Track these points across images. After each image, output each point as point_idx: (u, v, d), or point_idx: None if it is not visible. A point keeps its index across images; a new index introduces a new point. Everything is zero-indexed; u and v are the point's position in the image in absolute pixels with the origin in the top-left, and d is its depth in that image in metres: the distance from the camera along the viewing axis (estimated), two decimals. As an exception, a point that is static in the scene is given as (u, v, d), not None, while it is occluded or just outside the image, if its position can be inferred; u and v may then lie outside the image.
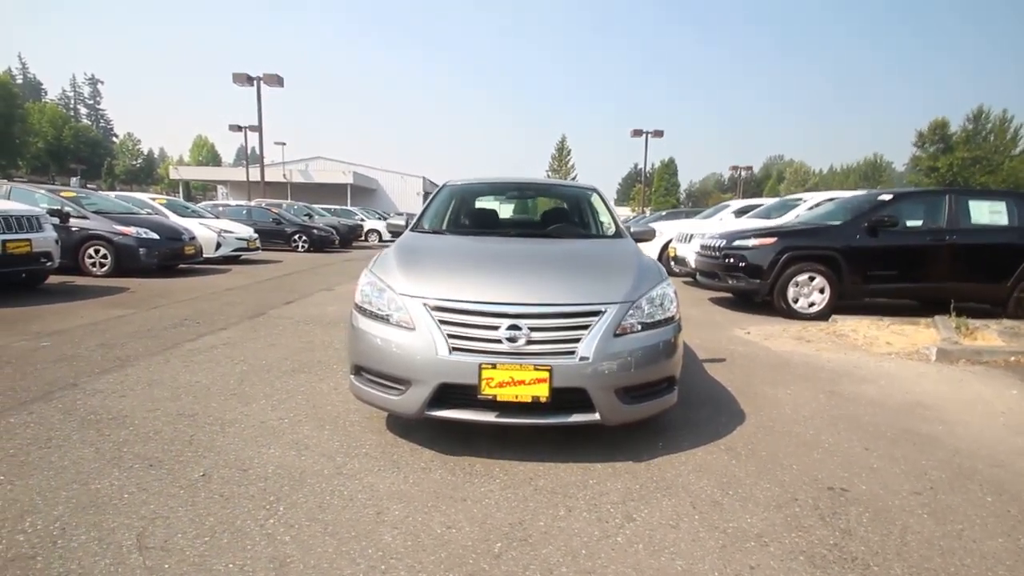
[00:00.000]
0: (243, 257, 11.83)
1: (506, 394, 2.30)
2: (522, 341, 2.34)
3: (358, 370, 2.66)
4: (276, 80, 21.10)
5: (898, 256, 6.25)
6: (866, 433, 2.95)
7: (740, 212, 11.12)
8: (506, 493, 2.20)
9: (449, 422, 2.51)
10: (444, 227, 3.92)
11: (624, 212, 61.09)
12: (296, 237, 15.56)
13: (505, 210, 4.71)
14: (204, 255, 9.78)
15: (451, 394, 2.39)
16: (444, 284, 2.57)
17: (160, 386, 3.39)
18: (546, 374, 2.29)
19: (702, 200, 70.46)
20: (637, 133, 26.25)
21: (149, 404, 3.07)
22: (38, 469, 2.28)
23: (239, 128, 27.46)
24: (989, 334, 5.03)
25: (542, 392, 2.30)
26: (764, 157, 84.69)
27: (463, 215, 4.19)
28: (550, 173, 63.59)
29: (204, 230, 10.29)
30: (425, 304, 2.46)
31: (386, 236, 21.60)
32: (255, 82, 20.99)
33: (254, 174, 38.64)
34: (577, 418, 2.38)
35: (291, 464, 2.40)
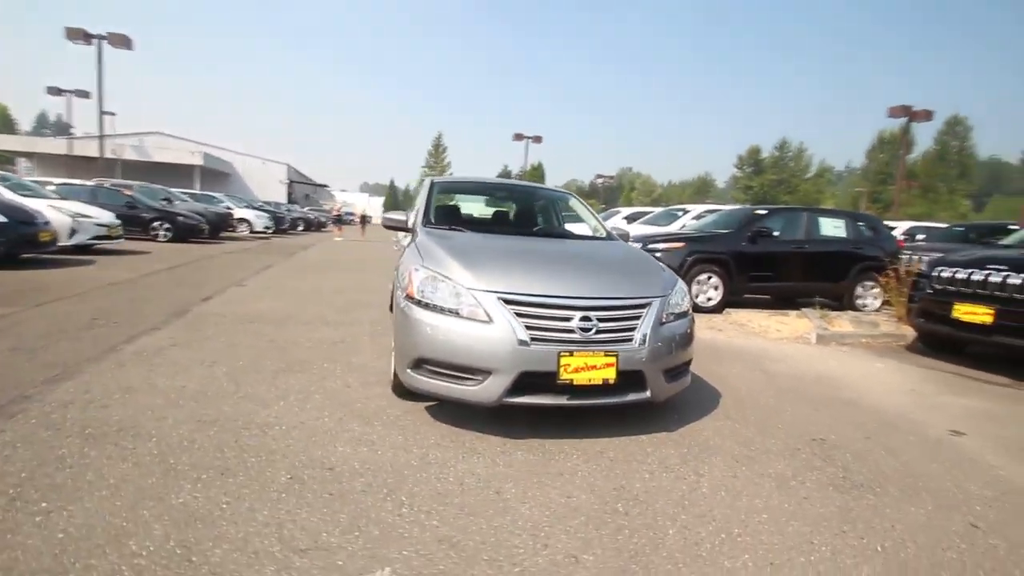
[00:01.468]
0: (98, 247, 10.01)
1: (581, 378, 2.57)
2: (593, 331, 2.62)
3: (419, 363, 2.70)
4: (122, 41, 17.93)
5: (772, 260, 7.66)
6: (808, 400, 3.75)
7: (629, 219, 12.41)
8: (590, 466, 2.47)
9: (522, 407, 2.67)
10: (458, 224, 3.97)
11: None
12: (156, 224, 13.54)
13: (504, 210, 4.87)
14: (58, 243, 8.17)
15: (527, 381, 2.58)
16: (510, 279, 2.73)
17: (142, 392, 2.99)
18: (614, 359, 2.60)
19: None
20: (518, 137, 27.41)
21: (149, 412, 2.73)
22: (83, 491, 1.98)
23: (59, 92, 22.71)
24: (843, 322, 6.48)
25: (611, 375, 2.61)
26: (617, 168, 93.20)
27: (479, 212, 4.32)
28: (426, 170, 62.96)
29: (55, 213, 8.57)
30: (500, 298, 2.61)
31: (258, 227, 19.75)
32: (95, 42, 17.61)
33: (60, 146, 32.24)
34: (632, 397, 2.73)
35: (375, 460, 2.39)
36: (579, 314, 2.63)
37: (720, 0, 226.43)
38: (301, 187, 49.24)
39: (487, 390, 2.56)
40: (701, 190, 69.10)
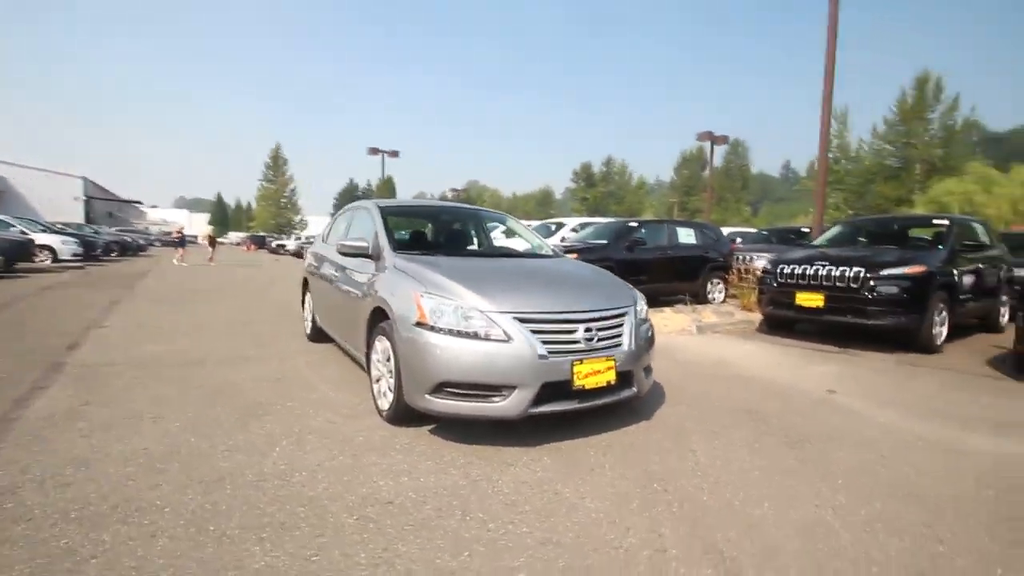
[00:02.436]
0: None
1: (590, 383, 2.90)
2: (595, 340, 2.97)
3: (440, 387, 2.77)
4: None
5: (647, 265, 8.82)
6: (720, 380, 4.56)
7: (507, 233, 13.08)
8: (609, 459, 2.80)
9: (542, 417, 2.89)
10: (424, 249, 4.00)
11: None
12: (-79, 259, 10.51)
13: (458, 232, 4.91)
14: None
15: (545, 391, 2.82)
16: (518, 299, 2.94)
17: (101, 463, 2.56)
18: (612, 362, 2.99)
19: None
20: (374, 151, 26.72)
21: (131, 483, 2.37)
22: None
23: None
24: (708, 314, 7.78)
25: (611, 377, 2.98)
26: (464, 181, 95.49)
27: (433, 236, 4.37)
28: (264, 183, 57.34)
29: None
30: (516, 318, 2.82)
31: (64, 255, 16.30)
32: None
33: None
34: (625, 394, 3.14)
35: (425, 486, 2.43)
36: (582, 326, 2.96)
37: (562, 31, 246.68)
38: (103, 204, 41.50)
39: (513, 404, 2.75)
40: (543, 202, 74.34)
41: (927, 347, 5.68)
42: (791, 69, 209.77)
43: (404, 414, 3.07)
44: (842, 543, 2.06)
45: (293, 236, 41.98)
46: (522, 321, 2.83)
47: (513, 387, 2.74)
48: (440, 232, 4.65)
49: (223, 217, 78.35)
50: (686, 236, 9.55)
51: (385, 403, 3.22)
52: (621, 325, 3.16)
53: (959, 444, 3.14)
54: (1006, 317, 7.20)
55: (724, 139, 23.46)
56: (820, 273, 5.99)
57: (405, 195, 73.18)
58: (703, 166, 56.92)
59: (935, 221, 6.88)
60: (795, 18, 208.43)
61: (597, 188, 61.38)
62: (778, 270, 6.47)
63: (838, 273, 5.85)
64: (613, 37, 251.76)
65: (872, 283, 5.63)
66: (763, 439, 3.15)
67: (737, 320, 7.56)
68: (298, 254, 28.89)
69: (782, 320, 6.76)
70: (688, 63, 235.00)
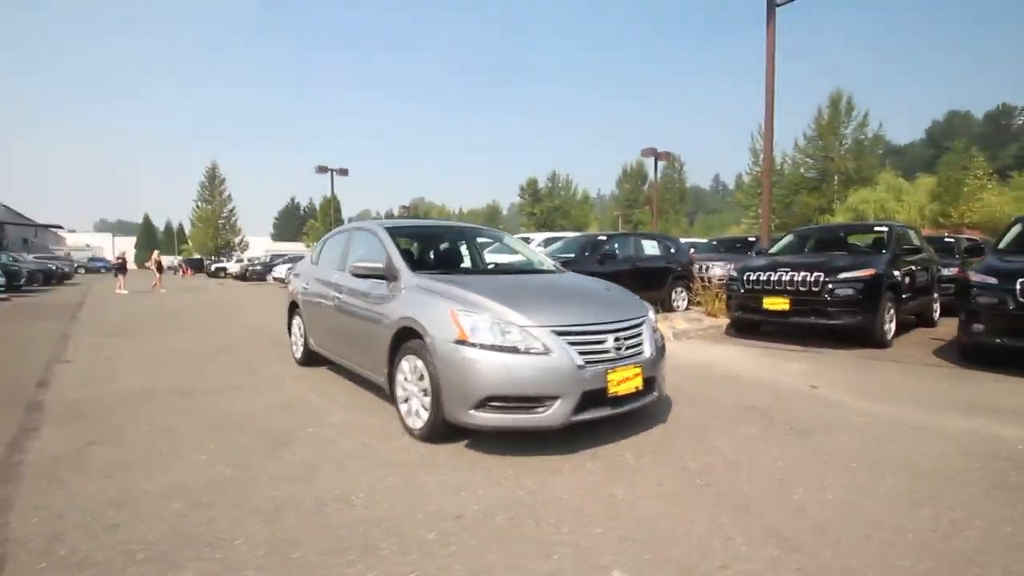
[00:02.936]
0: None
1: (621, 389, 3.07)
2: (623, 348, 3.15)
3: (484, 402, 2.85)
4: None
5: (618, 276, 9.14)
6: (713, 382, 4.85)
7: (499, 250, 13.19)
8: (646, 460, 2.96)
9: (578, 424, 3.01)
10: (443, 268, 4.11)
11: (297, 248, 57.72)
12: None
13: (466, 251, 4.95)
14: None
15: (584, 400, 2.96)
16: (552, 314, 3.08)
17: (135, 504, 2.45)
18: (639, 369, 3.18)
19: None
20: (322, 170, 26.11)
21: (186, 518, 2.29)
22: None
23: None
24: (679, 320, 8.20)
25: (639, 383, 3.17)
26: (409, 198, 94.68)
27: (440, 255, 4.51)
28: (200, 204, 54.34)
29: None
30: (553, 331, 2.95)
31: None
32: None
33: None
34: (649, 399, 3.33)
35: (484, 499, 2.49)
36: (611, 336, 3.13)
37: (504, 50, 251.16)
38: (17, 230, 38.00)
39: (557, 414, 2.87)
40: (491, 217, 74.91)
41: (880, 342, 6.28)
42: (720, 87, 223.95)
43: (440, 431, 3.12)
44: (876, 516, 2.31)
45: (235, 258, 40.01)
46: (559, 334, 2.96)
47: (556, 397, 2.86)
48: (446, 251, 4.71)
49: (151, 240, 73.51)
50: (651, 248, 10.03)
51: (418, 422, 3.25)
52: (641, 334, 3.35)
53: (937, 425, 3.54)
54: (938, 313, 8.05)
55: (667, 155, 24.73)
56: (784, 279, 6.50)
57: (349, 213, 71.66)
58: (643, 180, 59.53)
59: (876, 228, 7.63)
60: (722, 39, 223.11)
61: (544, 203, 62.56)
62: (744, 277, 6.95)
63: (800, 278, 6.37)
64: (557, 51, 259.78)
65: (831, 286, 6.18)
66: (771, 432, 3.42)
67: (706, 325, 8.01)
68: (243, 277, 27.61)
69: (750, 323, 7.24)
70: (623, 81, 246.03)
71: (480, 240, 5.15)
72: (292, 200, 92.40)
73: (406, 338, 3.39)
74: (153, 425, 3.57)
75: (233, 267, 31.59)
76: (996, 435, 3.32)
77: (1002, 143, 66.64)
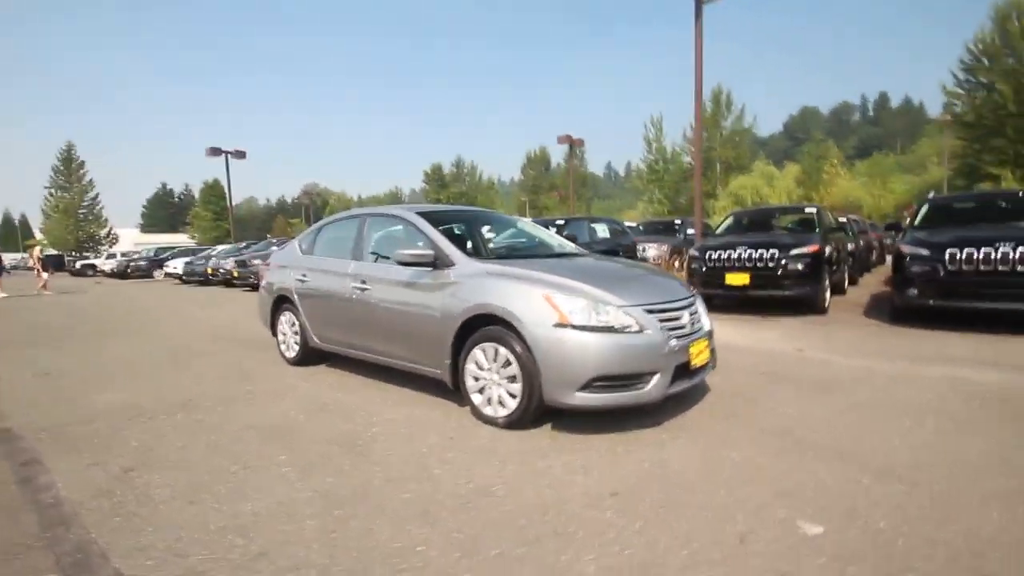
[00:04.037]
0: None
1: (698, 361, 3.27)
2: (694, 323, 3.34)
3: (590, 383, 2.89)
4: None
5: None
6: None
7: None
8: (726, 424, 3.18)
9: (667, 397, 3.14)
10: (490, 252, 4.06)
11: (179, 240, 51.49)
12: None
13: (510, 234, 4.78)
14: None
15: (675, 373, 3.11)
16: (639, 294, 3.17)
17: (286, 518, 2.19)
18: (707, 341, 3.40)
19: (255, 225, 67.48)
20: (215, 152, 23.46)
21: (380, 526, 2.09)
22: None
23: None
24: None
25: (708, 354, 3.39)
26: (301, 183, 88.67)
27: (479, 240, 4.39)
28: (55, 191, 46.09)
29: None
30: (646, 310, 3.06)
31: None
32: None
33: None
34: (711, 369, 3.56)
35: (627, 475, 2.55)
36: (686, 312, 3.31)
37: (408, 32, 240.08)
38: None
39: (656, 388, 2.99)
40: (393, 203, 72.61)
41: (820, 309, 7.18)
42: (613, 77, 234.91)
43: (530, 418, 3.11)
44: (940, 449, 2.72)
45: (105, 253, 34.74)
46: (650, 312, 3.08)
47: (654, 373, 2.98)
48: (477, 236, 4.58)
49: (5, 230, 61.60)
50: (603, 231, 10.47)
51: (501, 410, 3.20)
52: (699, 310, 3.57)
53: (918, 374, 4.18)
54: (847, 283, 9.36)
55: (580, 142, 25.68)
56: (743, 256, 7.17)
57: (235, 198, 65.30)
58: (547, 166, 61.12)
59: (806, 210, 8.65)
60: (615, 33, 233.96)
61: (449, 189, 61.91)
62: (706, 256, 7.55)
63: (758, 255, 7.07)
64: (458, 38, 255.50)
65: (784, 262, 6.93)
66: (803, 391, 3.83)
67: (665, 302, 8.57)
68: (123, 275, 24.22)
69: (711, 297, 7.88)
70: (523, 71, 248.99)
71: (513, 225, 5.06)
72: (164, 187, 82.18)
73: (477, 326, 3.30)
74: (188, 441, 3.14)
75: (106, 263, 27.53)
76: (968, 379, 4.00)
77: (844, 135, 77.65)
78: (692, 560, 1.86)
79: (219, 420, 3.54)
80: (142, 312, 10.61)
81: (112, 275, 25.35)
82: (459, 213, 4.77)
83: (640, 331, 2.99)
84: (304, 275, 4.84)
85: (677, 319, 3.21)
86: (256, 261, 14.72)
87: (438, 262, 3.64)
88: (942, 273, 5.54)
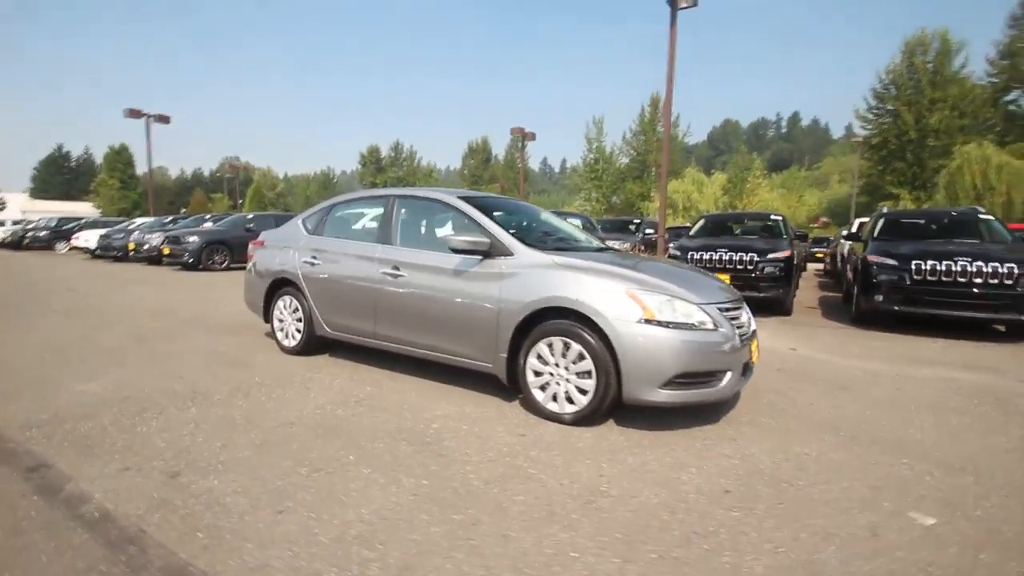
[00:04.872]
0: None
1: (755, 359, 3.37)
2: (750, 322, 3.44)
3: (672, 380, 2.89)
4: None
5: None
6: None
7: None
8: (783, 422, 3.31)
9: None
10: (546, 245, 3.91)
11: (82, 208, 45.76)
12: None
13: (543, 227, 4.52)
14: None
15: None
16: (702, 292, 3.20)
17: (405, 527, 1.98)
18: (756, 339, 3.51)
19: (166, 197, 61.47)
20: (134, 114, 21.01)
21: (517, 532, 1.93)
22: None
23: None
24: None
25: (758, 353, 3.50)
26: (220, 157, 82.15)
27: (524, 230, 4.19)
28: None
29: None
30: (718, 308, 3.10)
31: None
32: None
33: None
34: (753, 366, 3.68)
35: (728, 468, 2.57)
36: (744, 311, 3.39)
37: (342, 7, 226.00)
38: None
39: (729, 385, 3.04)
40: (324, 185, 69.14)
41: (788, 311, 7.70)
42: (552, 75, 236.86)
43: (601, 414, 3.07)
44: (976, 443, 2.98)
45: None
46: (722, 311, 3.12)
47: (727, 370, 3.03)
48: (527, 225, 4.41)
49: None
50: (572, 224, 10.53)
51: (568, 407, 3.12)
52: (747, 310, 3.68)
53: (910, 374, 4.57)
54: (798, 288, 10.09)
55: (532, 135, 25.77)
56: (724, 258, 7.52)
57: (142, 167, 59.19)
58: (488, 157, 60.76)
59: (772, 218, 9.21)
60: (557, 32, 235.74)
61: (387, 173, 59.97)
62: (688, 256, 7.83)
63: (737, 258, 7.44)
64: (398, 26, 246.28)
65: (761, 265, 7.35)
66: (824, 389, 4.06)
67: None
68: (17, 245, 21.19)
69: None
70: (465, 62, 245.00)
71: (545, 215, 4.92)
72: (59, 149, 72.84)
73: (541, 320, 3.20)
74: (226, 440, 2.79)
75: (-8, 233, 23.95)
76: (957, 379, 4.42)
77: (760, 148, 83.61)
78: (845, 555, 1.91)
79: (247, 415, 3.18)
80: (65, 291, 9.35)
81: (2, 246, 22.12)
82: (497, 200, 4.58)
83: (715, 329, 3.02)
84: (314, 257, 4.46)
85: (738, 317, 3.29)
86: (192, 238, 13.48)
87: (492, 250, 3.48)
88: (908, 282, 6.11)
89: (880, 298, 6.38)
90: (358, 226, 4.43)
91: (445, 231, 3.99)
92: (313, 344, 4.61)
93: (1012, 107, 29.62)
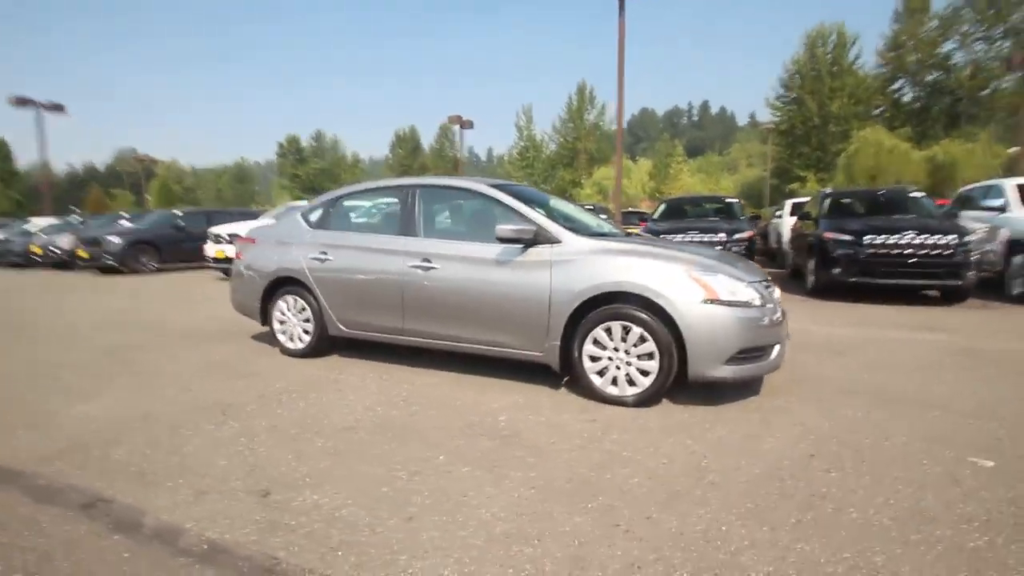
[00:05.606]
0: None
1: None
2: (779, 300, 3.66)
3: (735, 356, 3.03)
4: None
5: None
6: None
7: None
8: (825, 391, 3.57)
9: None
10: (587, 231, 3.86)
11: None
12: None
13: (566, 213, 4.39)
14: None
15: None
16: (747, 272, 3.36)
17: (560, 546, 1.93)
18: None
19: (53, 193, 54.60)
20: (23, 102, 18.38)
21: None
22: None
23: None
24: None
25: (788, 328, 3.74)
26: (114, 150, 74.15)
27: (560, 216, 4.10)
28: None
29: None
30: (763, 285, 3.27)
31: None
32: None
33: None
34: (773, 339, 3.92)
35: (803, 432, 2.74)
36: (777, 289, 3.60)
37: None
38: None
39: (776, 359, 3.24)
40: (240, 177, 64.48)
41: (751, 286, 8.25)
42: (478, 62, 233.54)
43: (663, 393, 3.16)
44: (979, 392, 3.39)
45: None
46: (764, 287, 3.30)
47: (775, 344, 3.22)
48: (559, 212, 4.35)
49: None
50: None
51: (629, 389, 3.18)
52: (768, 287, 3.91)
53: (885, 337, 5.08)
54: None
55: (470, 123, 25.47)
56: (696, 239, 7.91)
57: (22, 162, 52.10)
58: (416, 147, 59.32)
59: (727, 200, 9.78)
60: (461, 22, 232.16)
61: (309, 164, 57.03)
62: (661, 238, 8.15)
63: (708, 239, 7.85)
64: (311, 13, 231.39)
65: (729, 245, 7.81)
66: (824, 356, 4.41)
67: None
68: None
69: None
70: (387, 47, 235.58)
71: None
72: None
73: (596, 305, 3.22)
74: (293, 452, 2.59)
75: None
76: (923, 339, 4.98)
77: (675, 135, 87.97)
78: (944, 500, 2.11)
79: (296, 424, 2.96)
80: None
81: None
82: (520, 188, 4.50)
83: (763, 305, 3.19)
84: (323, 253, 4.19)
85: (774, 293, 3.49)
86: (114, 238, 12.18)
87: (537, 238, 3.45)
88: (863, 256, 6.74)
89: (838, 271, 6.99)
90: (372, 218, 4.21)
91: (478, 221, 3.90)
92: (323, 345, 4.36)
93: (897, 95, 33.13)
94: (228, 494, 2.21)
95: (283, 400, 3.37)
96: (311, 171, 56.62)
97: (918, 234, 6.52)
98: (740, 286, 3.13)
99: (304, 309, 4.33)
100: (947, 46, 31.03)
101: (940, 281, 6.52)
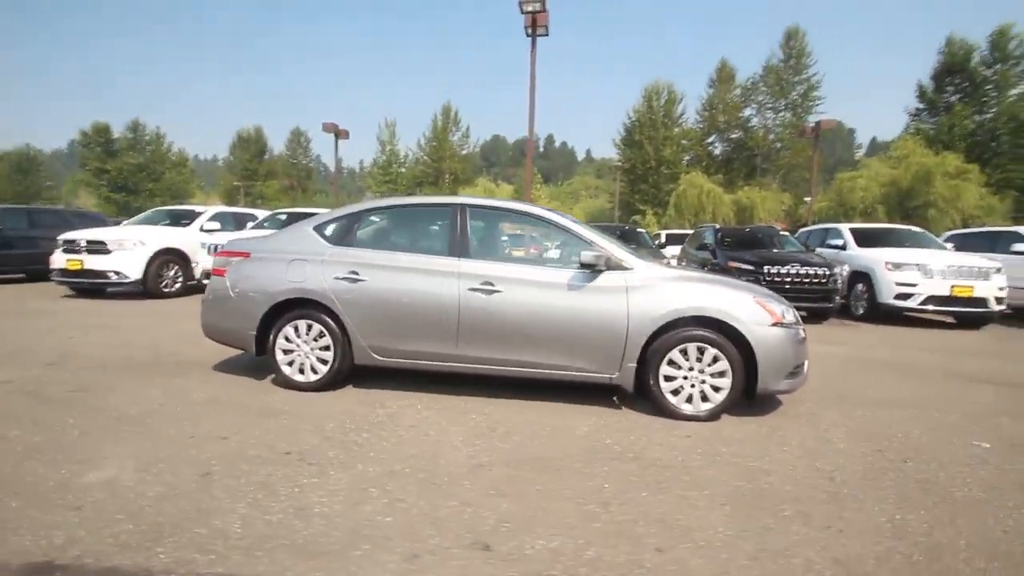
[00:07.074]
0: None
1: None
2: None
3: (790, 372, 3.52)
4: None
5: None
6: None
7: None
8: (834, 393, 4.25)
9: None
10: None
11: None
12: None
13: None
14: None
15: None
16: (775, 297, 3.90)
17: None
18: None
19: None
20: None
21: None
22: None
23: None
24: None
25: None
26: None
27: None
28: None
29: None
30: (792, 310, 3.84)
31: None
32: None
33: None
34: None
35: (866, 429, 3.28)
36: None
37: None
38: None
39: (807, 373, 3.80)
40: (23, 167, 51.56)
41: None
42: (349, 73, 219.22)
43: (731, 408, 3.52)
44: (909, 387, 4.39)
45: None
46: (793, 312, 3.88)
47: (805, 360, 3.79)
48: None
49: None
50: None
51: (703, 405, 3.49)
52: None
53: (836, 353, 6.18)
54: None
55: (346, 132, 24.09)
56: (800, 273, 8.51)
57: None
58: (262, 150, 53.87)
59: (638, 230, 10.84)
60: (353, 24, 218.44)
61: (122, 158, 48.22)
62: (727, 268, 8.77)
63: (811, 272, 8.53)
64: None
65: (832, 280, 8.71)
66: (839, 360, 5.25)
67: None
68: None
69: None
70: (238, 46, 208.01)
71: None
72: None
73: (668, 329, 3.48)
74: (453, 495, 2.35)
75: None
76: (836, 352, 6.18)
77: (523, 163, 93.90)
78: (983, 477, 2.76)
79: (408, 466, 2.66)
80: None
81: None
82: (568, 215, 4.51)
83: (799, 325, 3.76)
84: (354, 272, 3.77)
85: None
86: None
87: (608, 265, 3.59)
88: (763, 282, 8.08)
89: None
90: (411, 237, 3.91)
91: (536, 245, 3.89)
92: (340, 378, 3.89)
93: (711, 147, 39.96)
94: (439, 552, 1.94)
95: (359, 442, 2.96)
96: (125, 167, 47.91)
97: (801, 266, 8.07)
98: (788, 310, 3.65)
99: (322, 335, 3.82)
100: (747, 112, 38.50)
101: (818, 304, 8.14)
